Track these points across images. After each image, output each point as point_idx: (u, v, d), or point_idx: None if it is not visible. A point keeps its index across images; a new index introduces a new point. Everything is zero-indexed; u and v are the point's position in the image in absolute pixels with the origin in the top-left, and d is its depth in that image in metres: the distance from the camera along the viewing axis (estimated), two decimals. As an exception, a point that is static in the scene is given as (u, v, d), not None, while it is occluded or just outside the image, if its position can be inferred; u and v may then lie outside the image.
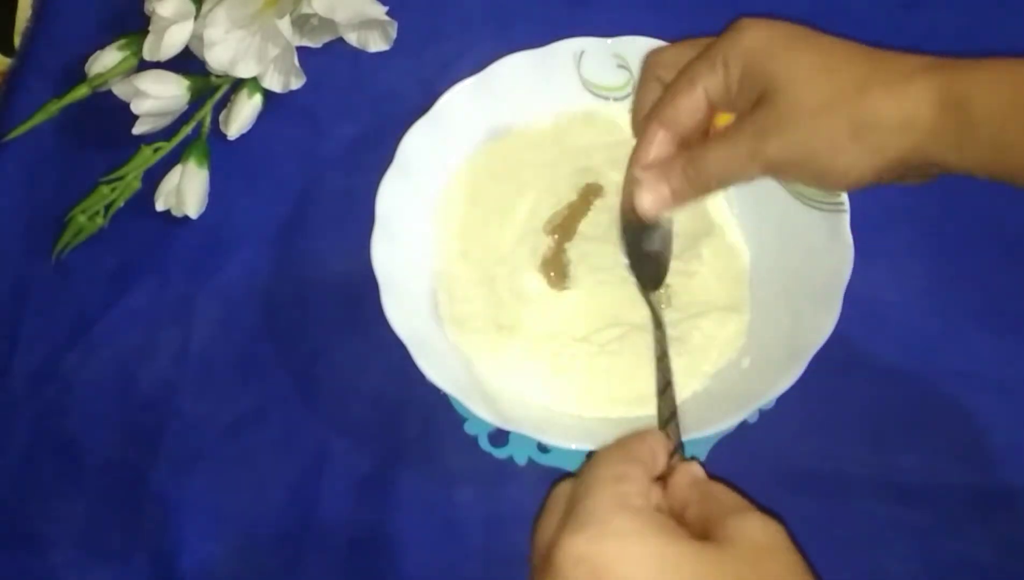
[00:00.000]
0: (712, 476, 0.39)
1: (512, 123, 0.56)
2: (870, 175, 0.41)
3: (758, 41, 0.43)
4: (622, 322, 0.51)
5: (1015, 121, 0.38)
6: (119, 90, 0.57)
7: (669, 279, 0.52)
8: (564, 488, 0.37)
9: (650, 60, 0.49)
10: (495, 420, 0.47)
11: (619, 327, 0.51)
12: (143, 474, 0.53)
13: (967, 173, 0.40)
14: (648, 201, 0.45)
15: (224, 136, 0.60)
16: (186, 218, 0.57)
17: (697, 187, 0.45)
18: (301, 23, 0.60)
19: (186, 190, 0.57)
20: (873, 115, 0.40)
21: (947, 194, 0.55)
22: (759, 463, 0.51)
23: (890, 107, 0.40)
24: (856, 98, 0.40)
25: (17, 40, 0.70)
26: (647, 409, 0.50)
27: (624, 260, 0.51)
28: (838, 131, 0.40)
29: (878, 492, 0.50)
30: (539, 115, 0.56)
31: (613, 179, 0.54)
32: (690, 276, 0.52)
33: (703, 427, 0.46)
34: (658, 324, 0.49)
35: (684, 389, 0.50)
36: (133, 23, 0.60)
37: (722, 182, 0.45)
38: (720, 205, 0.54)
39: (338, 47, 0.62)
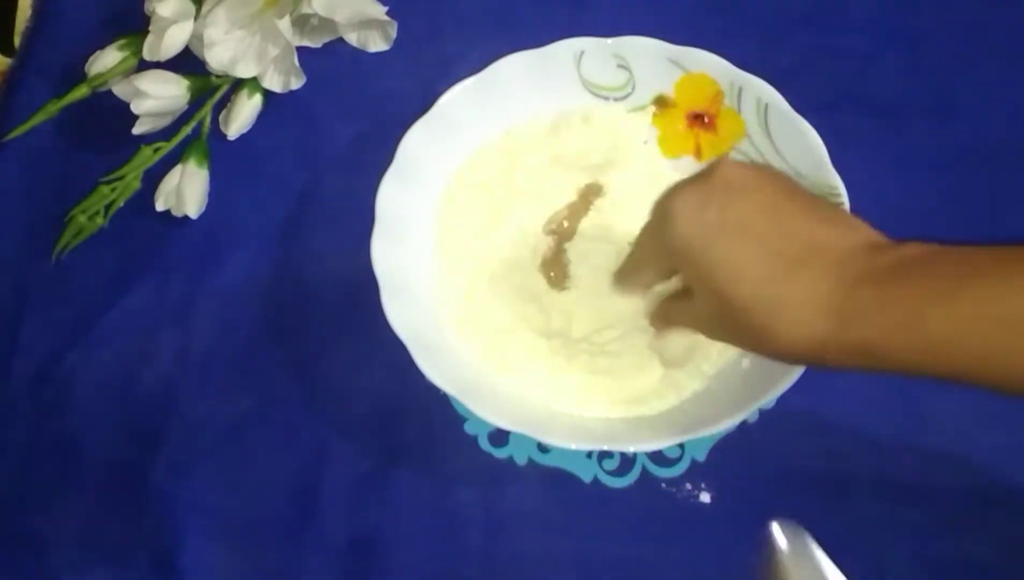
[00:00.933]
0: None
1: (512, 123, 0.56)
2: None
3: (687, 237, 0.40)
4: (622, 322, 0.51)
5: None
6: (119, 90, 0.57)
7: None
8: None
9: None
10: (495, 420, 0.47)
11: (619, 327, 0.51)
12: (143, 474, 0.53)
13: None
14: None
15: (224, 136, 0.60)
16: (186, 218, 0.57)
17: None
18: (301, 23, 0.60)
19: (186, 190, 0.57)
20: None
21: (947, 193, 0.55)
22: (759, 463, 0.51)
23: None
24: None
25: (17, 40, 0.70)
26: (647, 409, 0.50)
27: None
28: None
29: (878, 492, 0.50)
30: (539, 115, 0.56)
31: (613, 179, 0.55)
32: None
33: (703, 427, 0.46)
34: None
35: (684, 389, 0.50)
36: (133, 23, 0.60)
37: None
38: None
39: (338, 47, 0.62)
